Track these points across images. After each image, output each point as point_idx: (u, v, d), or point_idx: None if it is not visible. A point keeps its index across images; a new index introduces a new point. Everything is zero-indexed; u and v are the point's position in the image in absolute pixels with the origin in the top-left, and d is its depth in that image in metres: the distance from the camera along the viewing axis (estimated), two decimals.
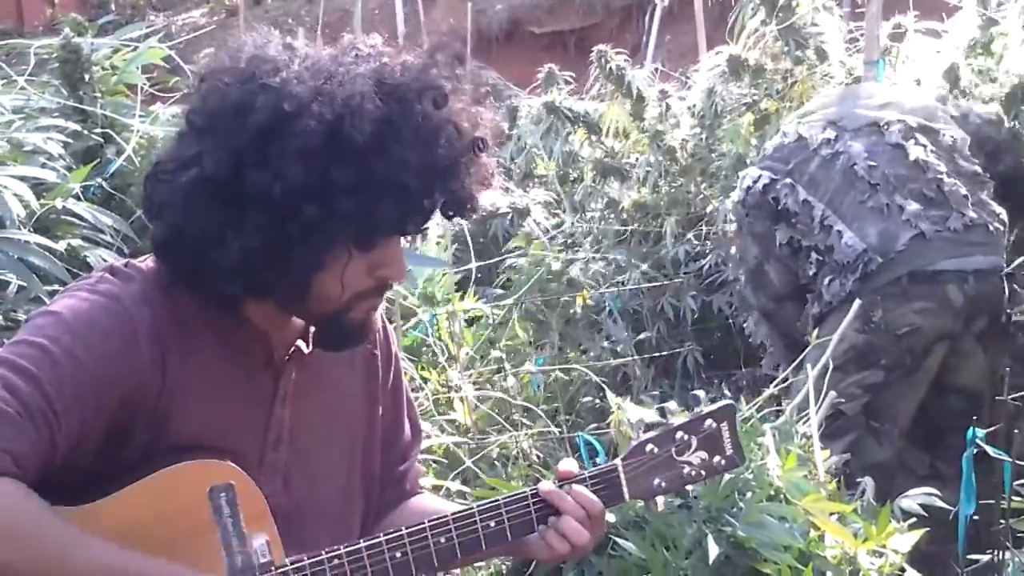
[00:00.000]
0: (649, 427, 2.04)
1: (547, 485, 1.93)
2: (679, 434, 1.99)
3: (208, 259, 1.71)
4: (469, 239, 4.59)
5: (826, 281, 3.73)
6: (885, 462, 3.62)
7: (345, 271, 1.76)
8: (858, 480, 3.25)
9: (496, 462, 3.53)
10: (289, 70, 1.71)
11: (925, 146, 3.80)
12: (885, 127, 3.84)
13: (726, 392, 4.89)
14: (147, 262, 1.83)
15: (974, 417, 3.09)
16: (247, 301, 1.80)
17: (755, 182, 3.90)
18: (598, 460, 3.26)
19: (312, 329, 1.90)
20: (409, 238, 1.87)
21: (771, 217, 3.90)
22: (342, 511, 1.95)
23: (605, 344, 4.77)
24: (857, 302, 3.52)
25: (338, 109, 1.66)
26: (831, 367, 3.64)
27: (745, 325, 4.46)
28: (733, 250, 4.46)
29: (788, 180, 3.82)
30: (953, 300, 3.61)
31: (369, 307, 1.85)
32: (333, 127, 1.66)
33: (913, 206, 3.65)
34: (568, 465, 1.96)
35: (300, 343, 1.90)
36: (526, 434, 3.60)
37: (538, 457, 3.59)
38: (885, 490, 3.14)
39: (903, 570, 2.79)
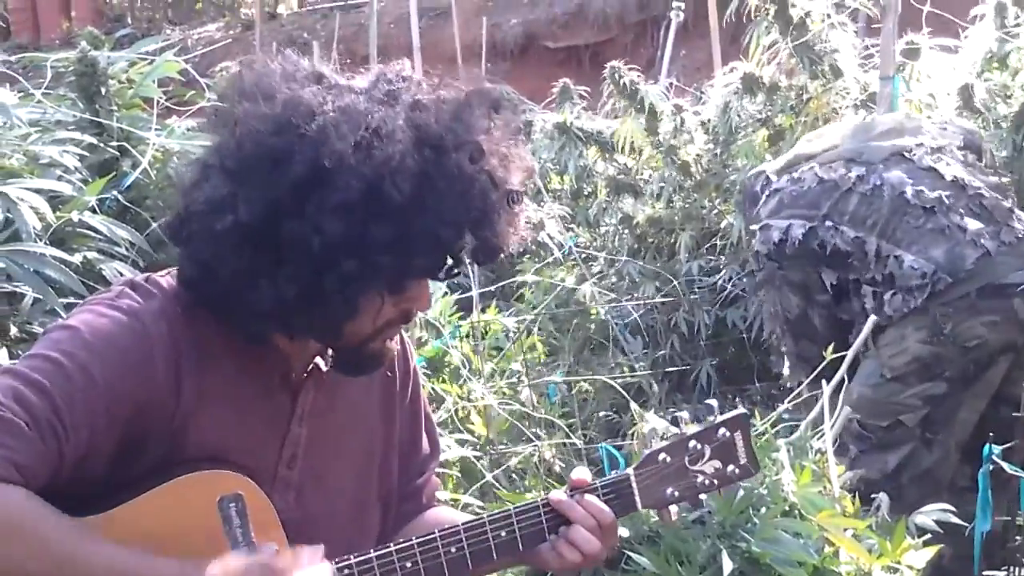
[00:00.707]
0: (662, 436, 2.04)
1: (557, 494, 1.93)
2: (692, 443, 1.99)
3: (240, 300, 1.73)
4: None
5: (888, 296, 3.68)
6: (934, 470, 3.61)
7: (378, 313, 1.79)
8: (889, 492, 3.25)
9: (514, 474, 3.53)
10: (325, 115, 1.70)
11: (951, 164, 3.79)
12: (910, 153, 3.82)
13: (740, 406, 4.90)
14: (167, 278, 1.83)
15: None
16: (274, 334, 1.82)
17: (786, 232, 3.83)
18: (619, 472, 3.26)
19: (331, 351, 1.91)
20: None
21: (812, 263, 3.84)
22: (356, 526, 1.95)
23: (620, 360, 4.77)
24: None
25: (378, 167, 1.67)
26: (888, 377, 3.67)
27: (782, 373, 4.44)
28: (764, 306, 4.40)
29: (828, 223, 3.76)
30: (1019, 312, 3.60)
31: (390, 336, 1.87)
32: (373, 185, 1.67)
33: (974, 224, 3.63)
34: (581, 474, 1.96)
35: (318, 360, 1.90)
36: (548, 444, 3.59)
37: (561, 468, 3.59)
38: (932, 500, 3.12)
39: None
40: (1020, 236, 3.65)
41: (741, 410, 2.05)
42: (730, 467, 2.00)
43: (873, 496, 3.33)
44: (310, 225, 1.66)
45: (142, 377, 1.72)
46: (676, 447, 1.98)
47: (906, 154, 3.82)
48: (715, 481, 2.00)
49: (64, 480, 1.67)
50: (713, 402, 2.05)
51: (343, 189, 1.65)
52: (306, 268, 1.68)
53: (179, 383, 1.75)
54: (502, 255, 1.83)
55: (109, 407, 1.69)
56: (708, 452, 1.99)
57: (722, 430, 2.00)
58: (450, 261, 1.78)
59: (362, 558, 1.80)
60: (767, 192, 4.02)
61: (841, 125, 4.43)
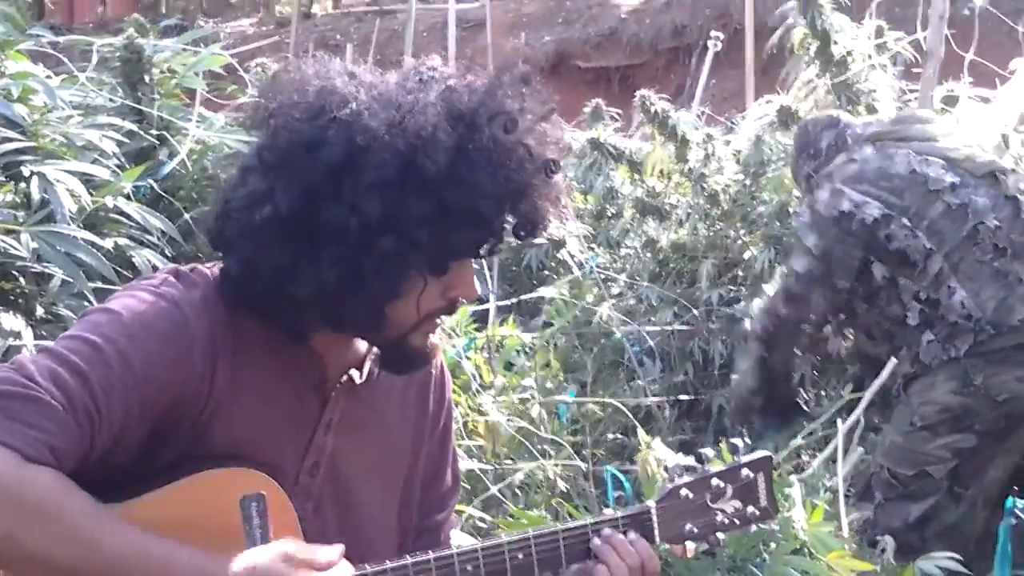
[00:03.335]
0: (686, 470, 2.04)
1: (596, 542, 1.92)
2: (715, 481, 1.99)
3: (284, 292, 1.72)
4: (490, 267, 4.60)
5: (924, 342, 3.61)
6: (958, 524, 3.54)
7: (421, 297, 1.77)
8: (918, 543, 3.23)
9: (519, 490, 3.53)
10: (358, 101, 1.71)
11: None
12: (1003, 176, 3.70)
13: (747, 440, 4.89)
14: (213, 269, 1.82)
15: None
16: (318, 330, 1.81)
17: (859, 207, 3.66)
18: (623, 494, 3.26)
19: (367, 359, 1.90)
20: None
21: (869, 249, 3.68)
22: (373, 549, 1.91)
23: (636, 383, 4.76)
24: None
25: (411, 140, 1.67)
26: (918, 425, 3.61)
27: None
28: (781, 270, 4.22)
29: (906, 221, 3.61)
30: None
31: (432, 328, 1.85)
32: (407, 158, 1.66)
33: None
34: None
35: (353, 372, 1.89)
36: (553, 463, 3.59)
37: (564, 489, 3.59)
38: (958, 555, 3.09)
39: None
40: None
41: (765, 452, 2.04)
42: (750, 508, 2.00)
43: (879, 539, 3.33)
44: (347, 206, 1.66)
45: (179, 368, 1.71)
46: (699, 484, 1.98)
47: (999, 175, 3.69)
48: (736, 521, 1.99)
49: (88, 467, 1.66)
50: (739, 441, 2.04)
51: (378, 166, 1.66)
52: (346, 251, 1.67)
53: (213, 376, 1.74)
54: (543, 231, 1.81)
55: (144, 397, 1.68)
56: (730, 491, 1.99)
57: (745, 470, 2.00)
58: (491, 239, 1.76)
59: (377, 568, 1.80)
60: (848, 154, 3.85)
61: (948, 119, 4.30)
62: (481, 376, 3.80)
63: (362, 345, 1.89)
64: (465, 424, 3.59)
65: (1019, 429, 3.54)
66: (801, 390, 4.22)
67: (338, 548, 1.75)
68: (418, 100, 1.71)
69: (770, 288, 4.10)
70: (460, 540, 2.28)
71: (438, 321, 1.85)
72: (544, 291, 5.04)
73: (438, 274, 1.75)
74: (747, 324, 4.14)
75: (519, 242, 1.84)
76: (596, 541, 1.91)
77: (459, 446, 3.54)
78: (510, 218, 1.75)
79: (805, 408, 4.17)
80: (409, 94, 1.72)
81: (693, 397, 4.96)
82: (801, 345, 3.97)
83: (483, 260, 3.65)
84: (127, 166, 3.37)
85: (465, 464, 3.43)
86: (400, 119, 1.68)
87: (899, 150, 3.75)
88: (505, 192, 1.71)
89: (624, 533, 1.93)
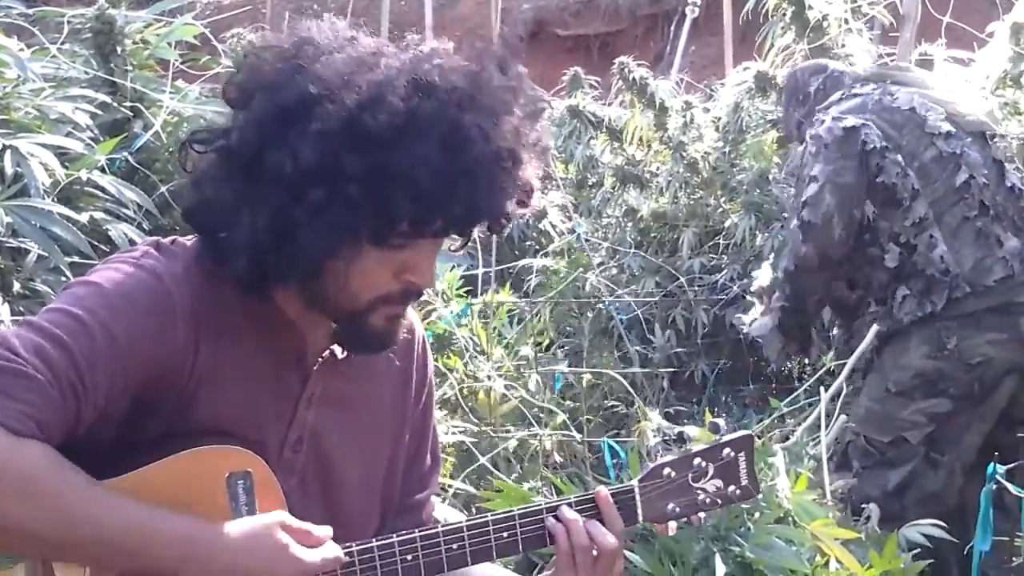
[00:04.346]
0: (668, 442, 2.04)
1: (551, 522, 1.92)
2: (697, 460, 1.99)
3: (225, 233, 1.72)
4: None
5: (900, 297, 3.61)
6: (939, 492, 3.55)
7: (362, 267, 1.74)
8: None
9: (512, 459, 3.52)
10: (330, 56, 1.70)
11: (1019, 169, 3.72)
12: (991, 139, 3.71)
13: (732, 407, 4.90)
14: (193, 242, 1.81)
15: None
16: (270, 286, 1.78)
17: (861, 131, 3.59)
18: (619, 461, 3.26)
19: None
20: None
21: (862, 177, 3.60)
22: (355, 525, 1.91)
23: (627, 351, 4.76)
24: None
25: (361, 98, 1.66)
26: (892, 391, 3.62)
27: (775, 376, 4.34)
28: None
29: (899, 157, 3.58)
30: None
31: (392, 313, 1.82)
32: (352, 114, 1.65)
33: (1012, 241, 3.55)
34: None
35: (336, 348, 1.88)
36: (548, 433, 3.58)
37: (560, 459, 3.58)
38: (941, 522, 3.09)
39: None
40: None
41: (746, 432, 2.05)
42: (731, 487, 2.00)
43: (863, 506, 3.33)
44: (288, 152, 1.65)
45: (162, 340, 1.70)
46: (681, 463, 1.98)
47: (987, 137, 3.70)
48: (717, 500, 2.00)
49: (73, 444, 1.65)
50: (720, 421, 2.05)
51: (323, 117, 1.65)
52: (279, 196, 1.66)
53: (197, 348, 1.73)
54: (501, 225, 1.79)
55: (128, 369, 1.67)
56: (711, 471, 1.99)
57: (727, 450, 2.00)
58: (437, 218, 1.72)
59: (364, 546, 1.79)
60: (847, 91, 3.80)
61: (944, 76, 4.25)
62: (481, 342, 3.79)
63: None
64: (461, 391, 3.58)
65: (994, 394, 3.55)
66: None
67: (329, 528, 1.76)
68: (383, 63, 1.70)
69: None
70: (448, 514, 2.28)
71: (399, 307, 1.82)
72: (530, 261, 5.04)
73: (378, 244, 1.72)
74: (755, 284, 4.10)
75: (472, 231, 1.80)
76: (551, 520, 1.90)
77: (454, 415, 3.53)
78: (461, 202, 1.70)
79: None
80: (379, 57, 1.71)
81: (677, 369, 4.96)
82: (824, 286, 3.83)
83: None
84: (101, 139, 3.33)
85: (456, 438, 3.43)
86: (355, 76, 1.67)
87: (902, 88, 3.74)
88: (449, 168, 1.67)
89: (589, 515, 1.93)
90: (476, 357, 3.63)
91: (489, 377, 3.57)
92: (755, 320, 4.02)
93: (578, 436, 3.59)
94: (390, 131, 1.65)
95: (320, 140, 1.65)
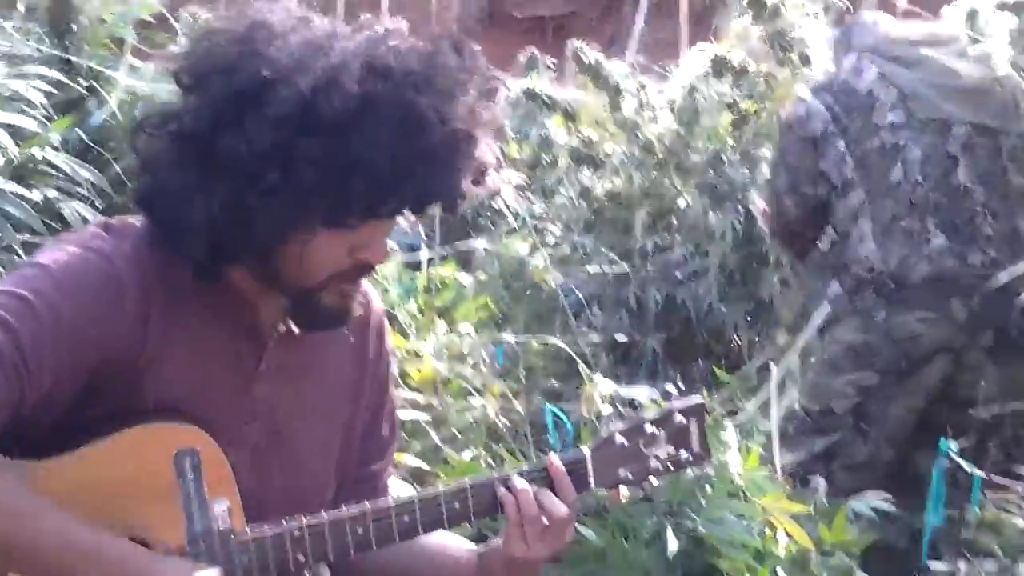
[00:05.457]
0: (614, 406, 2.06)
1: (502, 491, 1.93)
2: (648, 427, 2.01)
3: (179, 217, 1.71)
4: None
5: (832, 295, 3.71)
6: (868, 463, 3.64)
7: (316, 247, 1.75)
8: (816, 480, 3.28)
9: (457, 432, 3.53)
10: (285, 39, 1.71)
11: (980, 167, 3.71)
12: (949, 131, 3.73)
13: (681, 385, 4.95)
14: (141, 221, 1.81)
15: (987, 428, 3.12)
16: (223, 267, 1.79)
17: (807, 117, 3.72)
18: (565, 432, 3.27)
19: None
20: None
21: (809, 154, 3.73)
22: (310, 498, 1.92)
23: (572, 332, 4.77)
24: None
25: (316, 82, 1.66)
26: (826, 363, 3.70)
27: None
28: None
29: (842, 145, 3.67)
30: (956, 313, 3.62)
31: (346, 290, 1.84)
32: (307, 98, 1.66)
33: (939, 239, 3.61)
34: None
35: (291, 321, 1.89)
36: (491, 404, 3.59)
37: (504, 427, 3.59)
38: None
39: (853, 571, 2.84)
40: (987, 263, 3.62)
41: (699, 398, 2.08)
42: (683, 453, 2.03)
43: (809, 478, 3.39)
44: (243, 136, 1.66)
45: (110, 321, 1.71)
46: (633, 430, 2.01)
47: (946, 126, 3.73)
48: (669, 466, 2.02)
49: (19, 423, 1.65)
50: (671, 388, 2.08)
51: (277, 102, 1.65)
52: (234, 181, 1.67)
53: (146, 327, 1.74)
54: (456, 205, 1.80)
55: (76, 351, 1.68)
56: (663, 437, 2.01)
57: (679, 416, 2.02)
58: (392, 201, 1.74)
59: (313, 521, 1.81)
60: (835, 58, 3.92)
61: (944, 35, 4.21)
62: (421, 317, 3.80)
63: None
64: (402, 369, 3.59)
65: (921, 370, 3.63)
66: None
67: None
68: (337, 45, 1.71)
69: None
70: (398, 488, 2.30)
71: (351, 283, 1.84)
72: (478, 243, 5.05)
73: (332, 226, 1.73)
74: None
75: (426, 211, 1.81)
76: (501, 490, 1.92)
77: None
78: (415, 184, 1.72)
79: None
80: (334, 40, 1.72)
81: (628, 342, 4.99)
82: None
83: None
84: (55, 117, 3.32)
85: (403, 413, 3.44)
86: (310, 60, 1.68)
87: (871, 67, 3.77)
88: (405, 152, 1.68)
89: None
90: (418, 335, 3.64)
91: (433, 353, 3.58)
92: None
93: (520, 407, 3.60)
94: (345, 115, 1.66)
95: (275, 125, 1.65)
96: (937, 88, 3.78)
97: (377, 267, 1.84)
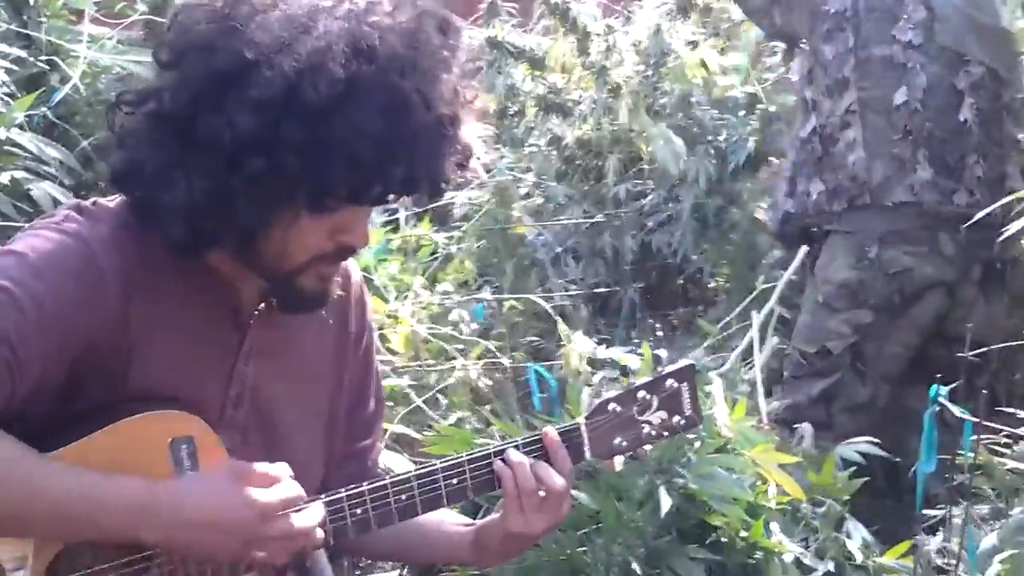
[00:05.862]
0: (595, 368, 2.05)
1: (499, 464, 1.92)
2: (641, 394, 2.00)
3: (158, 198, 1.68)
4: None
5: (815, 193, 3.74)
6: (867, 404, 3.67)
7: (298, 231, 1.72)
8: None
9: (440, 395, 3.52)
10: (266, 16, 1.66)
11: (982, 108, 3.74)
12: (963, 66, 3.75)
13: (659, 332, 4.95)
14: (115, 202, 1.78)
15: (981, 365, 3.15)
16: (203, 249, 1.76)
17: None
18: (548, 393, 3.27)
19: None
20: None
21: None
22: (300, 475, 1.87)
23: (550, 283, 4.77)
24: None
25: (301, 65, 1.62)
26: (820, 302, 3.71)
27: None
28: None
29: (851, 40, 3.75)
30: (944, 248, 3.64)
31: (325, 273, 1.81)
32: (291, 82, 1.62)
33: (925, 172, 3.64)
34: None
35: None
36: (474, 364, 3.58)
37: (486, 387, 3.58)
38: (867, 434, 3.18)
39: (844, 519, 2.86)
40: (972, 204, 3.63)
41: (688, 361, 2.06)
42: (676, 418, 2.01)
43: (796, 426, 3.40)
44: (225, 119, 1.62)
45: (93, 306, 1.68)
46: (626, 397, 1.99)
47: (962, 61, 3.75)
48: (663, 432, 2.01)
49: (8, 418, 1.63)
50: (662, 352, 2.07)
51: (261, 85, 1.61)
52: (216, 163, 1.64)
53: (128, 312, 1.70)
54: (441, 191, 1.76)
55: (60, 338, 1.65)
56: (656, 403, 2.00)
57: (670, 381, 2.01)
58: (376, 186, 1.71)
59: (311, 502, 1.79)
60: None
61: None
62: (400, 279, 3.78)
63: None
64: (382, 334, 3.57)
65: (912, 305, 3.66)
66: None
67: (285, 466, 1.76)
68: (321, 26, 1.66)
69: None
70: (388, 459, 2.29)
71: (332, 266, 1.81)
72: (454, 196, 5.01)
73: (315, 211, 1.70)
74: None
75: (411, 196, 1.78)
76: (498, 464, 1.91)
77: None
78: (399, 169, 1.69)
79: None
80: (318, 19, 1.67)
81: (607, 291, 4.99)
82: None
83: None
84: (18, 95, 3.25)
85: (385, 380, 3.43)
86: (293, 41, 1.63)
87: None
88: (389, 137, 1.65)
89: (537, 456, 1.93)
90: (398, 297, 3.62)
91: (412, 315, 3.56)
92: None
93: (506, 362, 3.59)
94: (330, 100, 1.62)
95: (259, 108, 1.61)
96: (968, 19, 3.78)
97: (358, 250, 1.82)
